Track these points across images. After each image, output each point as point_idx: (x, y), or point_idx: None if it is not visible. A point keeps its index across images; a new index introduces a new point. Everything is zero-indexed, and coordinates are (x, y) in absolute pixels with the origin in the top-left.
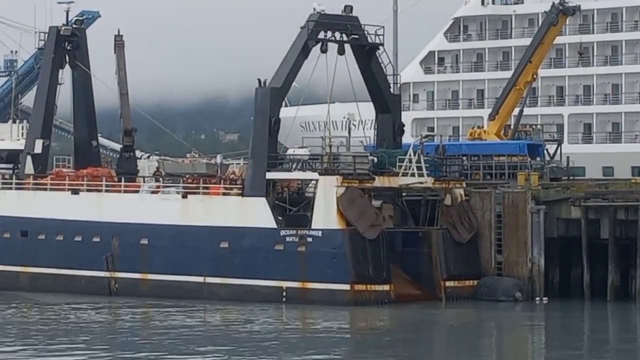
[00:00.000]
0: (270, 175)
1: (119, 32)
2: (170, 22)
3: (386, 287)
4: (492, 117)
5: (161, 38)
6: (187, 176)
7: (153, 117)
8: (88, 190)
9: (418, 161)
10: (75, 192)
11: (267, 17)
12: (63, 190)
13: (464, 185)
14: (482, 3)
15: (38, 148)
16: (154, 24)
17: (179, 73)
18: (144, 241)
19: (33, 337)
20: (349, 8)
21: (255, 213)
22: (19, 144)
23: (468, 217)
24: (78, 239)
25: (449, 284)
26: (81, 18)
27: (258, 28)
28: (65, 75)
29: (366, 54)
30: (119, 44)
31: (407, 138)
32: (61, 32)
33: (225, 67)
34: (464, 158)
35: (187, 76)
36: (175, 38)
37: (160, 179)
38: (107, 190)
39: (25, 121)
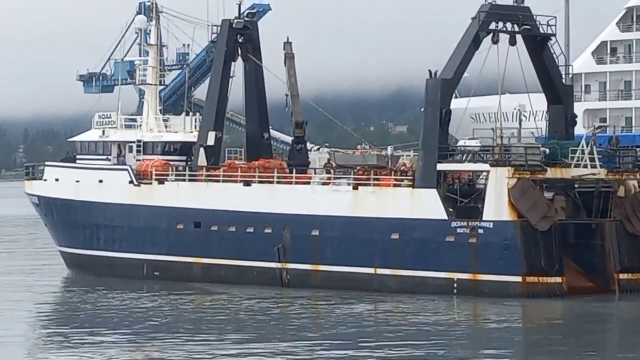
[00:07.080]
0: (441, 166)
1: (288, 39)
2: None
3: (558, 280)
4: None
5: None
6: (358, 168)
7: (324, 108)
8: (260, 182)
9: (591, 153)
10: (247, 184)
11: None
12: (235, 182)
13: (638, 177)
14: None
15: (211, 140)
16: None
17: (371, 64)
18: (315, 233)
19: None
20: None
21: (426, 205)
22: (192, 137)
23: None
24: (250, 230)
25: (622, 276)
26: (253, 11)
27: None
28: (237, 68)
29: (538, 45)
30: (289, 55)
31: (579, 129)
32: (234, 26)
33: (417, 57)
34: (638, 149)
35: (379, 67)
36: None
37: (332, 171)
38: (278, 182)
39: (198, 114)
